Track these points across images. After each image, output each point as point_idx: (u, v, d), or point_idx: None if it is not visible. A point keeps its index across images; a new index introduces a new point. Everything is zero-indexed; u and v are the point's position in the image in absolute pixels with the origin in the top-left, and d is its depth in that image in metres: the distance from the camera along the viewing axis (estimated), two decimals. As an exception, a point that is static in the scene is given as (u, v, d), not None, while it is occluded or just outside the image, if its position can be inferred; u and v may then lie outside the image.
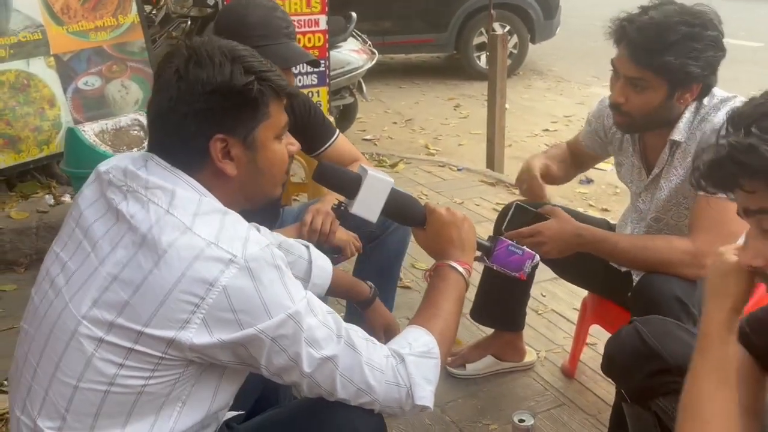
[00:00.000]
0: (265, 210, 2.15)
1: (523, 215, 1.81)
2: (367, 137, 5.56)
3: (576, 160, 2.14)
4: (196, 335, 1.04)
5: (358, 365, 1.16)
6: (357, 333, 1.19)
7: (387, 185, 1.38)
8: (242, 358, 1.11)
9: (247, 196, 1.24)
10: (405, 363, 1.21)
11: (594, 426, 2.05)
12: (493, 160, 4.48)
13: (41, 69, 3.31)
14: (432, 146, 5.35)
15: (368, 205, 1.38)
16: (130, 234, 1.07)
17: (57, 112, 3.38)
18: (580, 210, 2.74)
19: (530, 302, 2.75)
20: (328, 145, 2.11)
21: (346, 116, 5.53)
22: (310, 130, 2.08)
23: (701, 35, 1.57)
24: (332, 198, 1.92)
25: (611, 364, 1.45)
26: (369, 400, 1.18)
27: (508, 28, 7.21)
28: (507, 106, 4.61)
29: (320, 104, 4.45)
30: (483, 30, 7.21)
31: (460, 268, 1.37)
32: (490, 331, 2.35)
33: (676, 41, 1.55)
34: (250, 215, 1.61)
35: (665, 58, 1.56)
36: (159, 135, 1.15)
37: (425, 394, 1.22)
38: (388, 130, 5.81)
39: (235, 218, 1.13)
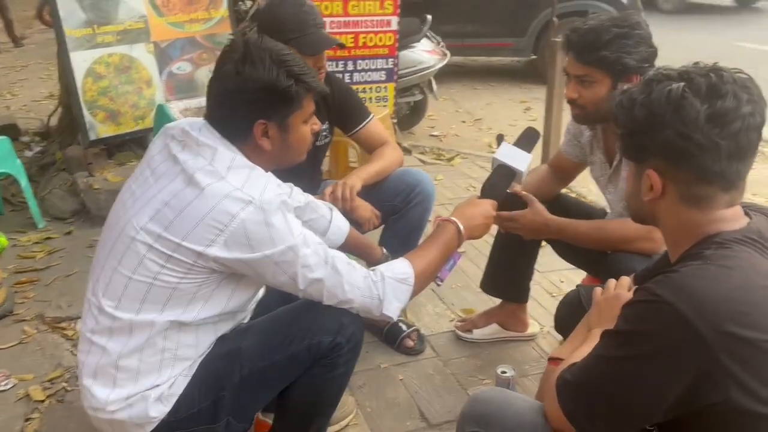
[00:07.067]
0: (311, 180, 2.54)
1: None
2: (435, 133, 5.85)
3: (559, 174, 2.40)
4: (219, 251, 1.42)
5: (340, 284, 1.53)
6: (341, 259, 1.56)
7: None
8: (253, 272, 1.48)
9: (278, 163, 1.62)
10: (384, 281, 1.58)
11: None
12: (547, 160, 4.68)
13: (142, 54, 3.82)
14: (494, 145, 5.54)
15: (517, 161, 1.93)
16: (182, 174, 1.45)
17: (152, 92, 3.88)
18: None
19: (547, 285, 3.03)
20: (361, 126, 2.45)
21: (416, 112, 5.81)
22: (344, 112, 2.44)
23: (630, 34, 1.87)
24: (356, 179, 2.26)
25: (557, 321, 1.73)
26: (348, 307, 1.56)
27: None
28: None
29: (387, 99, 4.81)
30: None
31: (462, 232, 1.73)
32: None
33: (609, 40, 1.86)
34: (295, 182, 2.01)
35: (602, 53, 1.87)
36: (216, 111, 1.53)
37: (392, 308, 1.59)
38: (456, 128, 6.08)
39: (259, 172, 1.50)
